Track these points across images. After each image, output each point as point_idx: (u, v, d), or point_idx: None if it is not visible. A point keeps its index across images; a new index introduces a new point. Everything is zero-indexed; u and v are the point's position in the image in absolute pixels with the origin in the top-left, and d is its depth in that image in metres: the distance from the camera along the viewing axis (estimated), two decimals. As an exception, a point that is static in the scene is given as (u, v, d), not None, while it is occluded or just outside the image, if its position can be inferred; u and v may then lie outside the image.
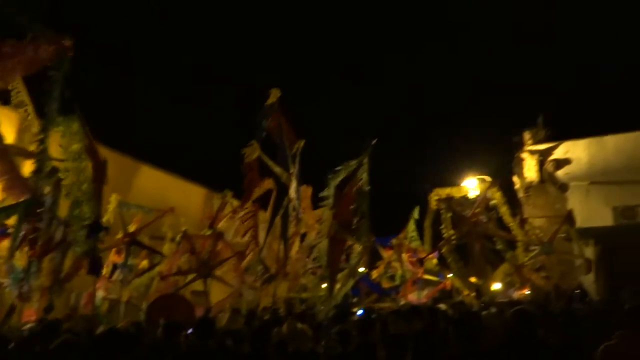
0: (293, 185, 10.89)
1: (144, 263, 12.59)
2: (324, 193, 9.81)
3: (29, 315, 8.46)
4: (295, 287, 12.01)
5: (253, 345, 4.56)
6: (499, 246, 14.88)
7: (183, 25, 44.53)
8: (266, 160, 11.19)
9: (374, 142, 10.12)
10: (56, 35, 7.21)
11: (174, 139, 32.15)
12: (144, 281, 11.75)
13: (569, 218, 14.88)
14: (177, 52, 42.97)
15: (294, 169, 11.03)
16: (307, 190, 12.58)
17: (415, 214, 16.60)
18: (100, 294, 10.60)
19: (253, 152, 10.75)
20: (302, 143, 11.41)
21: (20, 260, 7.96)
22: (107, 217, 11.53)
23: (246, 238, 12.20)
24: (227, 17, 45.94)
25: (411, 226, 16.58)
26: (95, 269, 8.30)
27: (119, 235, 11.78)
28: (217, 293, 11.85)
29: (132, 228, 12.21)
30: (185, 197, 17.38)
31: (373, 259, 15.39)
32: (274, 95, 11.02)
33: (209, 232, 12.61)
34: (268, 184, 12.08)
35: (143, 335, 5.30)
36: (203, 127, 36.87)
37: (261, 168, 11.17)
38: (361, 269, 12.46)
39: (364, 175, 9.76)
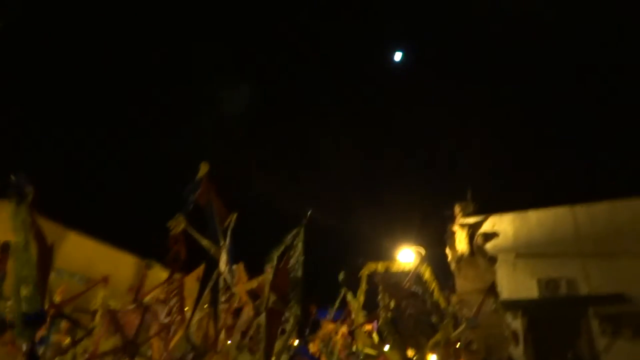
0: (223, 259, 10.79)
1: (67, 339, 11.82)
2: (268, 265, 9.81)
3: None
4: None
5: None
6: (434, 319, 15.16)
7: (113, 86, 44.24)
8: (193, 233, 11.12)
9: (309, 213, 10.34)
10: None
11: (104, 206, 31.10)
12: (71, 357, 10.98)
13: (492, 290, 15.45)
14: (111, 114, 42.46)
15: (225, 242, 10.99)
16: (240, 266, 12.50)
17: (341, 276, 16.65)
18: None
19: (179, 225, 10.69)
20: (234, 216, 11.44)
21: None
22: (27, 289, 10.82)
23: (173, 312, 11.79)
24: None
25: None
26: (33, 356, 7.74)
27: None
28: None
29: (57, 298, 11.52)
30: (114, 266, 16.69)
31: (312, 331, 15.28)
32: (203, 169, 11.15)
33: (132, 306, 12.10)
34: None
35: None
36: (135, 193, 35.98)
37: (189, 241, 11.07)
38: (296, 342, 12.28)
39: (299, 245, 9.87)
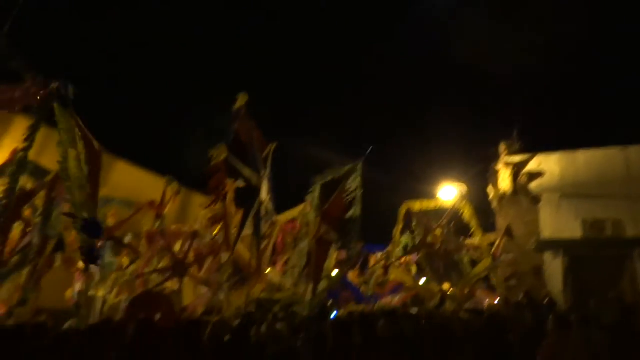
0: (265, 188, 10.99)
1: (125, 260, 12.48)
2: (310, 193, 9.83)
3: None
4: (268, 288, 12.03)
5: (232, 345, 4.60)
6: (470, 256, 15.30)
7: (160, 25, 44.11)
8: (235, 162, 11.27)
9: (370, 149, 10.18)
10: (44, 79, 7.36)
11: (152, 136, 31.77)
12: (121, 278, 11.64)
13: (508, 232, 15.45)
14: (157, 52, 42.53)
15: (265, 172, 11.15)
16: None
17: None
18: (77, 288, 10.52)
19: (220, 154, 10.85)
20: (273, 146, 11.56)
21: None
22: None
23: (218, 238, 12.19)
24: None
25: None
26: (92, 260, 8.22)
27: None
28: (189, 293, 11.84)
29: (110, 223, 12.10)
30: (160, 193, 17.21)
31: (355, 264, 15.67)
32: (241, 99, 11.16)
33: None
34: (236, 185, 12.11)
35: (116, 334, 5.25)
36: (183, 125, 36.53)
37: (230, 171, 11.27)
38: (335, 272, 12.62)
39: (357, 181, 9.79)
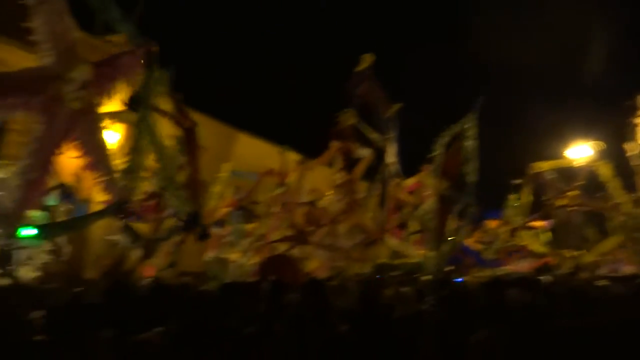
0: (391, 150, 10.87)
1: (252, 226, 13.27)
2: (434, 153, 9.44)
3: (148, 271, 9.34)
4: (391, 253, 12.06)
5: (358, 308, 4.68)
6: (610, 219, 14.04)
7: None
8: (362, 126, 11.21)
9: (481, 100, 9.48)
10: (144, 41, 7.32)
11: (271, 108, 32.86)
12: (251, 244, 12.41)
13: None
14: (271, 21, 43.51)
15: (391, 134, 10.97)
16: None
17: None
18: (211, 252, 11.42)
19: (348, 119, 10.83)
20: (397, 107, 11.30)
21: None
22: (219, 187, 12.27)
23: (341, 204, 12.39)
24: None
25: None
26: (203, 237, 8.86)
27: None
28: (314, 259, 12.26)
29: (237, 195, 12.92)
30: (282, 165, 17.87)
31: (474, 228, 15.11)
32: (366, 61, 10.95)
33: (280, 190, 12.95)
34: (362, 150, 12.07)
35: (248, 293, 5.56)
36: (299, 94, 37.28)
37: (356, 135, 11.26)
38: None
39: (472, 134, 9.24)
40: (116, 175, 6.94)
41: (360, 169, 11.69)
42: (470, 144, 8.98)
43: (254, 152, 17.62)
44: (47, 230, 6.82)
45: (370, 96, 10.89)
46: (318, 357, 3.49)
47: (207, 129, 14.91)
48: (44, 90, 5.75)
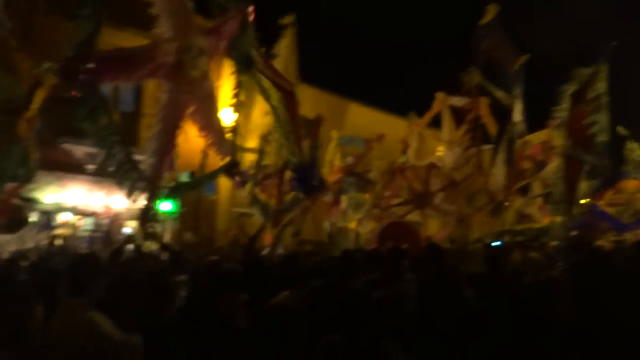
0: (518, 108, 10.18)
1: (370, 195, 13.35)
2: (560, 107, 8.66)
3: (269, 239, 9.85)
4: (518, 217, 11.45)
5: (486, 272, 4.55)
6: None
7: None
8: (487, 85, 10.59)
9: (613, 45, 8.48)
10: (238, 5, 7.45)
11: (379, 75, 32.45)
12: (369, 211, 12.51)
13: None
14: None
15: (517, 90, 10.21)
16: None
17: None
18: (329, 221, 11.70)
19: (473, 79, 10.29)
20: (524, 59, 10.44)
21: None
22: (329, 155, 12.43)
23: (467, 167, 11.97)
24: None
25: None
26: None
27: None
28: (433, 224, 12.06)
29: (349, 161, 13.00)
30: (394, 131, 17.70)
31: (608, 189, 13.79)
32: (491, 11, 10.19)
33: (403, 158, 12.68)
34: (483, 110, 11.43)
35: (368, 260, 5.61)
36: (406, 58, 36.33)
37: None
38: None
39: (602, 85, 8.30)
40: (228, 137, 7.39)
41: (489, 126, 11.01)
42: (600, 97, 8.09)
43: (365, 120, 17.61)
44: (173, 191, 7.34)
45: (496, 50, 10.11)
46: (442, 323, 3.46)
47: (318, 101, 15.21)
48: (166, 60, 6.15)
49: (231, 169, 7.58)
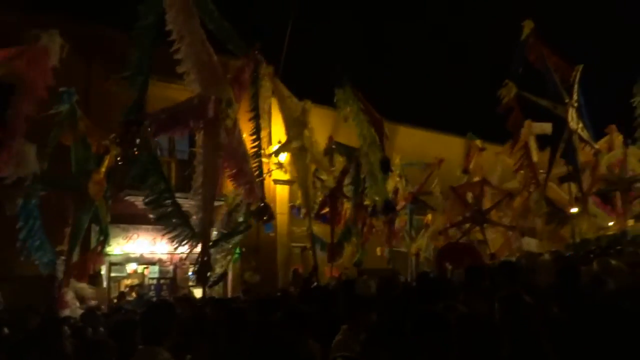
0: (572, 116, 9.97)
1: (429, 218, 13.21)
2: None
3: (334, 272, 9.87)
4: (592, 226, 10.91)
5: (559, 282, 4.34)
6: None
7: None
8: (528, 96, 10.50)
9: None
10: (250, 49, 8.02)
11: (426, 96, 32.16)
12: (428, 235, 12.37)
13: None
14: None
15: (572, 99, 10.12)
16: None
17: None
18: (388, 246, 11.59)
19: (510, 91, 10.23)
20: (579, 69, 10.40)
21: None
22: (394, 179, 12.47)
23: (516, 181, 11.75)
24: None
25: None
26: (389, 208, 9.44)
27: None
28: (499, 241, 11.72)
29: (411, 187, 13.02)
30: (445, 149, 17.42)
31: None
32: (527, 27, 10.27)
33: (464, 177, 12.58)
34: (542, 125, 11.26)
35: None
36: (451, 77, 35.90)
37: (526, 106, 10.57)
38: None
39: None
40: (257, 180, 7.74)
41: (533, 139, 10.92)
42: None
43: (414, 142, 17.43)
44: (215, 245, 7.77)
45: (540, 62, 10.15)
46: (527, 340, 3.29)
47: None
48: (206, 114, 6.49)
49: (262, 214, 7.94)
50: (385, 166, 9.18)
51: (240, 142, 7.32)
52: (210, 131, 6.63)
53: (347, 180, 10.35)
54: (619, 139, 11.65)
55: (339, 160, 10.65)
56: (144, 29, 6.35)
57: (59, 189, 7.89)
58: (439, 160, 13.66)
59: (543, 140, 11.41)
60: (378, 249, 11.53)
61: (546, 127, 10.80)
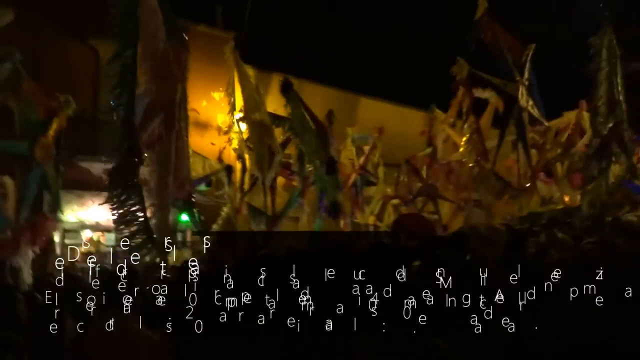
0: (523, 94, 10.31)
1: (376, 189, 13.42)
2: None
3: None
4: (540, 201, 11.40)
5: (507, 253, 4.53)
6: None
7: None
8: (480, 74, 10.85)
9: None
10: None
11: (388, 68, 32.17)
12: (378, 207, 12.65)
13: None
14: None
15: (523, 77, 10.42)
16: None
17: None
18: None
19: (462, 70, 10.54)
20: (532, 48, 10.69)
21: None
22: (345, 152, 12.53)
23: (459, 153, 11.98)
24: None
25: None
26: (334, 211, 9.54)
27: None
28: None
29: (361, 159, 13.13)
30: (405, 122, 17.64)
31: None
32: (482, 5, 10.49)
33: (428, 151, 12.86)
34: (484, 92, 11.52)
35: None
36: (413, 51, 35.94)
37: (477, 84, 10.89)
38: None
39: (610, 55, 8.40)
40: None
41: (487, 115, 11.22)
42: (603, 65, 8.11)
43: (375, 114, 17.57)
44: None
45: (492, 42, 10.39)
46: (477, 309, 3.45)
47: (329, 98, 15.27)
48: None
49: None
50: (332, 167, 9.25)
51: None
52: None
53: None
54: (587, 115, 11.97)
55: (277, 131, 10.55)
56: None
57: (4, 153, 7.60)
58: (378, 130, 13.73)
59: (494, 121, 11.69)
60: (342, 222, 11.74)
61: (486, 92, 11.06)
